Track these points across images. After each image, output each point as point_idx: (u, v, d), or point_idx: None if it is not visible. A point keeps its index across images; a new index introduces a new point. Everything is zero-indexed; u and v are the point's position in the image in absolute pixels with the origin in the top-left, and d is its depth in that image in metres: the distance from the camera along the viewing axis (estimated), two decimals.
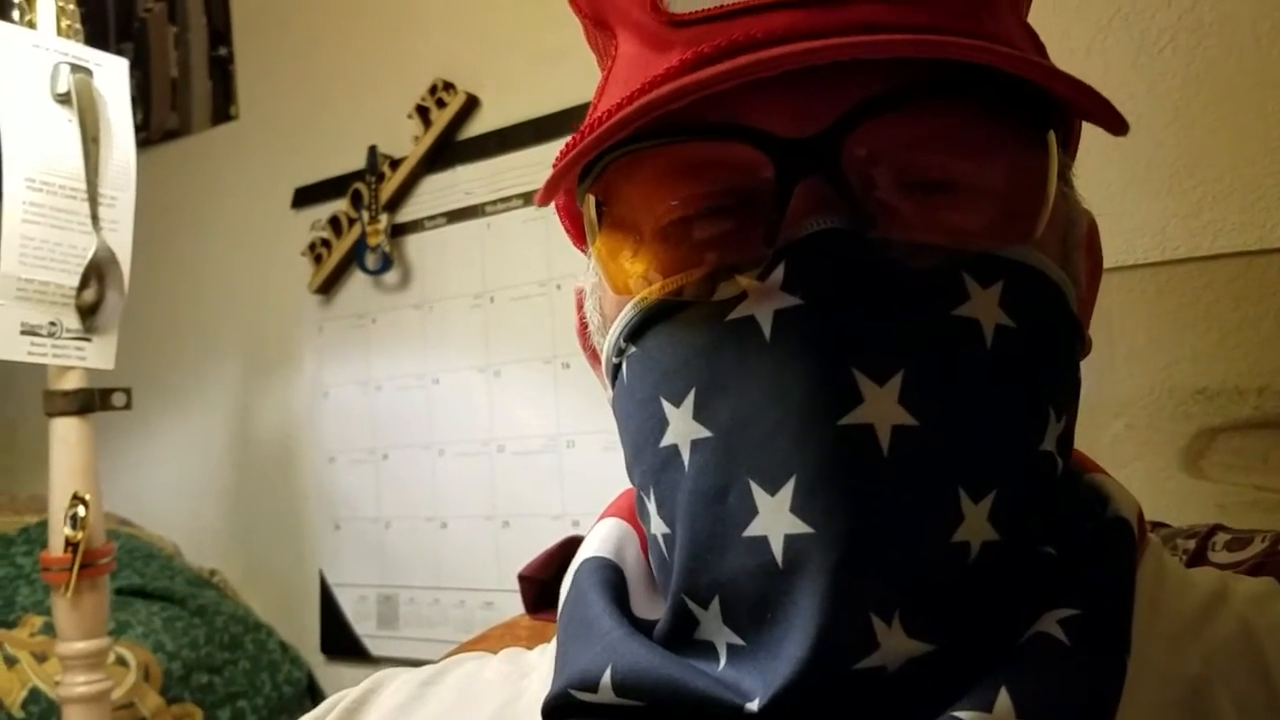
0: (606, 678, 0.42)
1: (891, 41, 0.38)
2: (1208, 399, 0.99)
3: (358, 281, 1.70)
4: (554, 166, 0.44)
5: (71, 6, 1.16)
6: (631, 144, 0.43)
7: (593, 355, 0.53)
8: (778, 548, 0.38)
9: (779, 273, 0.40)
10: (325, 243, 1.72)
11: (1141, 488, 1.00)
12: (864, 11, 0.40)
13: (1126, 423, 1.03)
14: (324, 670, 1.72)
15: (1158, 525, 0.82)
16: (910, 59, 0.39)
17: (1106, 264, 1.03)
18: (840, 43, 0.38)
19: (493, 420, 1.54)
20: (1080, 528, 0.45)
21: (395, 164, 1.63)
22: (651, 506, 0.45)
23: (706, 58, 0.41)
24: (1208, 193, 1.01)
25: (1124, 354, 1.03)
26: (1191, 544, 0.77)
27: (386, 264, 1.64)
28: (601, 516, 0.54)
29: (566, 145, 0.44)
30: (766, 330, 0.40)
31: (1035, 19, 1.10)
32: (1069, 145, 0.49)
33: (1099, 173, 1.06)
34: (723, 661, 0.42)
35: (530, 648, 0.59)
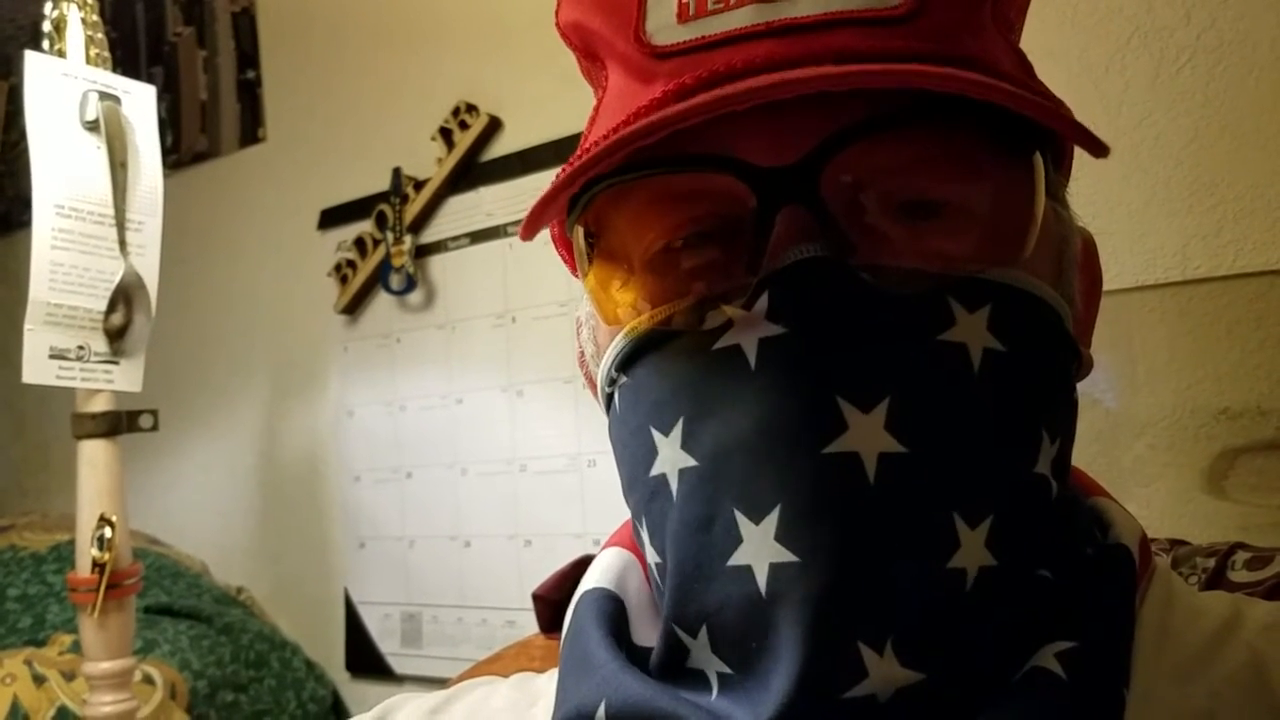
0: (601, 712, 0.42)
1: (857, 72, 0.38)
2: (1230, 419, 0.98)
3: (382, 302, 1.72)
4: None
5: (100, 35, 1.18)
6: (612, 177, 0.43)
7: (591, 383, 0.53)
8: (762, 577, 0.38)
9: (763, 301, 0.40)
10: (350, 263, 1.73)
11: (1164, 509, 1.00)
12: (842, 39, 0.40)
13: (1148, 443, 1.02)
14: (349, 688, 1.72)
15: (1178, 543, 0.82)
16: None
17: (1127, 284, 1.04)
18: (807, 75, 0.38)
19: (515, 440, 1.55)
20: (1079, 552, 0.45)
21: (419, 185, 1.64)
22: (645, 535, 0.46)
23: (687, 89, 0.41)
24: (1228, 211, 1.00)
25: (1145, 374, 1.02)
26: (1211, 562, 0.76)
27: (410, 284, 1.65)
28: (605, 545, 0.54)
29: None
30: (751, 359, 0.40)
31: (1054, 38, 1.11)
32: (1061, 165, 0.49)
33: (1119, 192, 1.05)
34: (715, 691, 0.42)
35: (542, 670, 0.59)
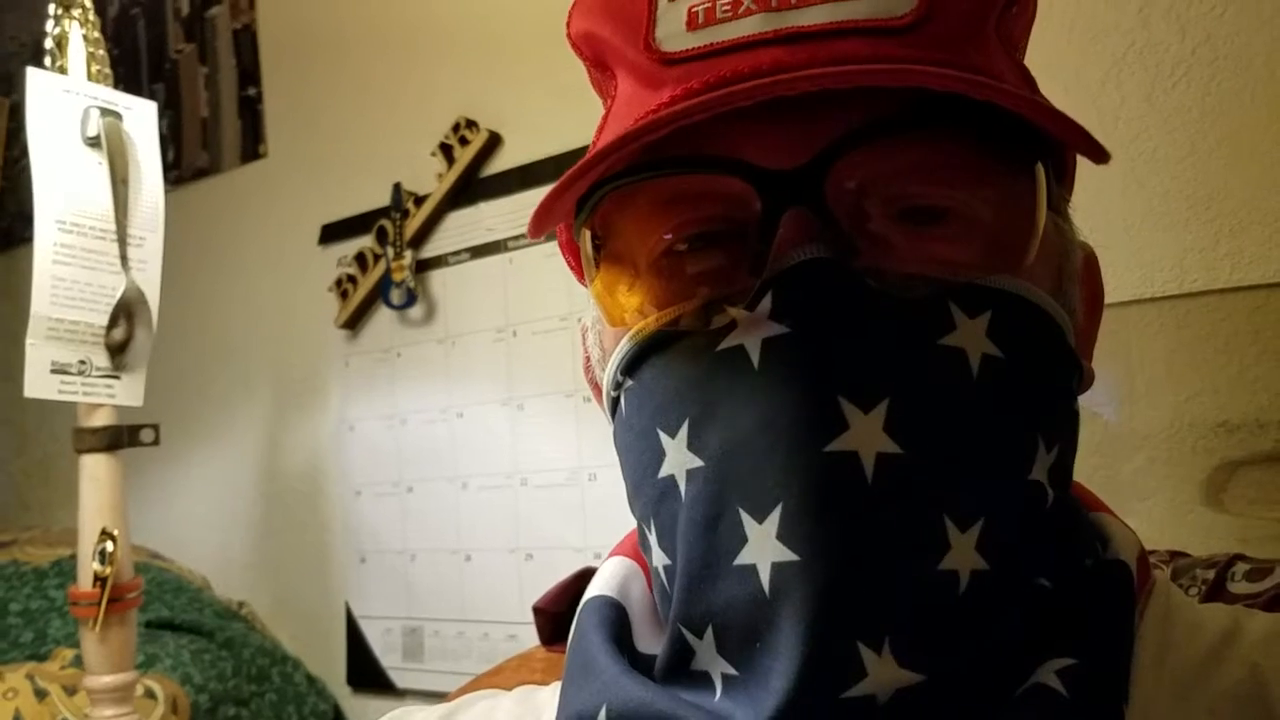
0: (602, 716, 0.43)
1: (859, 71, 0.39)
2: (1228, 432, 0.99)
3: (383, 316, 1.72)
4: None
5: (101, 52, 1.19)
6: (619, 179, 0.44)
7: (596, 389, 0.53)
8: (765, 576, 0.38)
9: (766, 302, 0.40)
10: (351, 279, 1.74)
11: (1163, 521, 1.00)
12: (849, 46, 0.41)
13: (1147, 456, 1.02)
14: (350, 703, 1.72)
15: (1178, 555, 0.82)
16: (900, 91, 0.39)
17: (1125, 297, 1.04)
18: (811, 74, 0.38)
19: (516, 454, 1.55)
20: (1078, 564, 0.45)
21: (420, 201, 1.65)
22: (653, 538, 0.46)
23: (694, 93, 0.42)
24: (1225, 225, 1.01)
25: (1143, 387, 1.02)
26: (1211, 574, 0.77)
27: (411, 299, 1.66)
28: (609, 555, 0.54)
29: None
30: (755, 359, 0.40)
31: (1050, 53, 1.12)
32: (1063, 177, 0.49)
33: (1117, 206, 1.06)
34: (718, 692, 0.42)
35: (544, 682, 0.59)
